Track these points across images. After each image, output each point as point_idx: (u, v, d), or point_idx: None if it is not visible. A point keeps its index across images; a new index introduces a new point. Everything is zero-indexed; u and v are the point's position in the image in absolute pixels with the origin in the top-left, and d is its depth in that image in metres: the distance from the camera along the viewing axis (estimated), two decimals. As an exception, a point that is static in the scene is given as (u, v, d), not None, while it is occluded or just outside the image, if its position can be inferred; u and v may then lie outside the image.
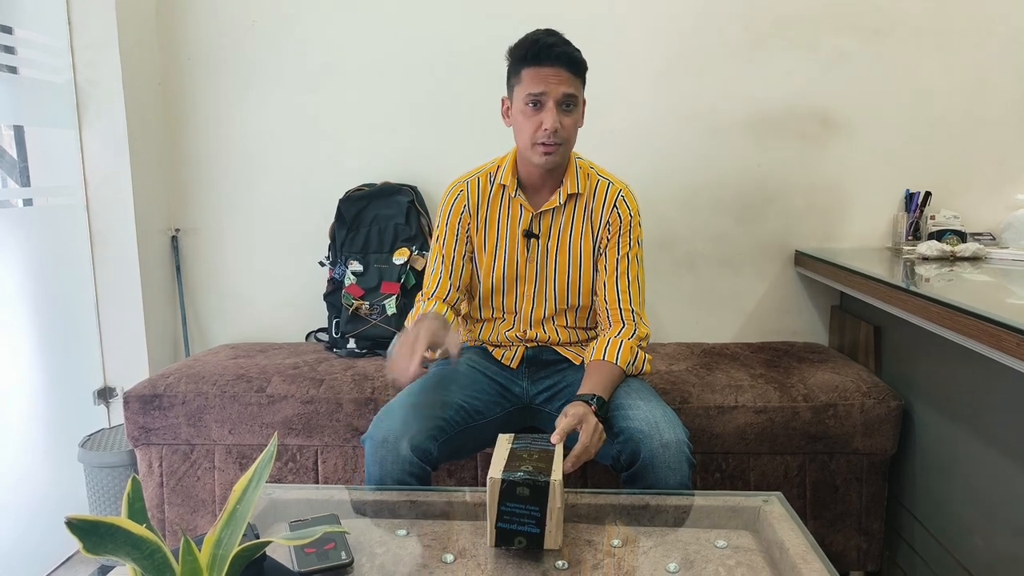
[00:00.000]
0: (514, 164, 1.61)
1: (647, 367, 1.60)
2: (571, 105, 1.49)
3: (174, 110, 2.39)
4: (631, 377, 1.58)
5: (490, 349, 1.70)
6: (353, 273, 2.25)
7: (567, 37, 1.50)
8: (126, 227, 2.24)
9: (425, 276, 1.69)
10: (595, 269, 1.63)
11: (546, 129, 1.46)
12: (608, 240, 1.61)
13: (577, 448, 1.30)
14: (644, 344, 1.60)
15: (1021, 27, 2.18)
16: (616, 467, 1.42)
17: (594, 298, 1.65)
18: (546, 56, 1.45)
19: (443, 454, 1.44)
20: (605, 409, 1.42)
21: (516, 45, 1.50)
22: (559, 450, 1.17)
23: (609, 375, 1.50)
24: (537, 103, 1.47)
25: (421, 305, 1.64)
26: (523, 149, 1.54)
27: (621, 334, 1.56)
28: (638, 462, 1.35)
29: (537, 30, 1.50)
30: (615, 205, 1.60)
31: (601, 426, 1.35)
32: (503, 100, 1.57)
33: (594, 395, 1.41)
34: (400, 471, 1.36)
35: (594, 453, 1.32)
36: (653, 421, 1.38)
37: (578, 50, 1.50)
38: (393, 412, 1.44)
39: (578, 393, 1.44)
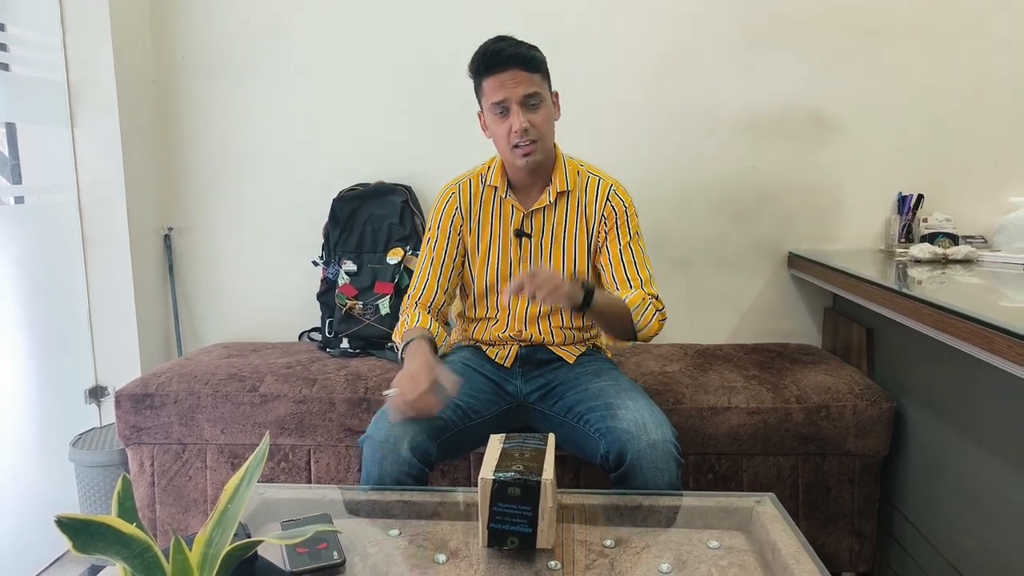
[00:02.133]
0: (502, 166, 1.62)
1: (655, 324, 1.54)
2: (535, 102, 1.50)
3: (168, 109, 2.38)
4: (622, 376, 1.58)
5: (484, 348, 1.70)
6: (347, 273, 2.25)
7: (518, 38, 1.52)
8: (119, 226, 2.23)
9: (413, 277, 1.70)
10: (590, 266, 1.63)
11: (515, 131, 1.49)
12: (606, 234, 1.61)
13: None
14: (657, 304, 1.56)
15: (1015, 30, 2.19)
16: (604, 467, 1.42)
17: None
18: (498, 62, 1.48)
19: (441, 454, 1.45)
20: (588, 295, 1.41)
21: (471, 59, 1.53)
22: (550, 449, 1.17)
23: (615, 299, 1.52)
24: (503, 110, 1.50)
25: (407, 317, 1.64)
26: (504, 156, 1.57)
27: (633, 287, 1.57)
28: (626, 462, 1.35)
29: (487, 40, 1.52)
30: (608, 198, 1.61)
31: (565, 286, 1.36)
32: (479, 114, 1.59)
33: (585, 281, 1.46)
34: (399, 471, 1.36)
35: (548, 288, 1.33)
36: (640, 421, 1.39)
37: (532, 47, 1.52)
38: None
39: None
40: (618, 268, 1.61)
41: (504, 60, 1.47)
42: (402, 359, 1.52)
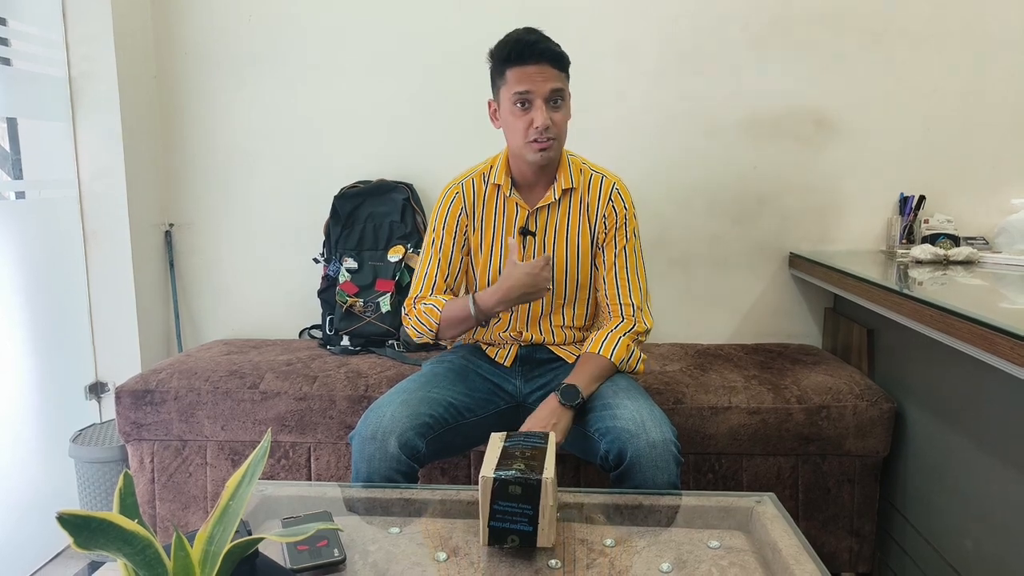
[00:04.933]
0: (506, 164, 1.61)
1: (640, 366, 1.60)
2: (559, 100, 1.49)
3: (169, 104, 2.38)
4: (621, 375, 1.58)
5: (484, 347, 1.70)
6: (347, 270, 2.25)
7: (547, 33, 1.50)
8: (119, 221, 2.23)
9: (416, 277, 1.67)
10: (593, 264, 1.63)
11: (537, 127, 1.47)
12: (605, 235, 1.61)
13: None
14: (642, 339, 1.61)
15: (1016, 32, 2.19)
16: (604, 466, 1.42)
17: (595, 293, 1.66)
18: (529, 54, 1.45)
19: (432, 451, 1.44)
20: (579, 402, 1.46)
21: (497, 46, 1.50)
22: (551, 448, 1.17)
23: (597, 368, 1.53)
24: (525, 102, 1.47)
25: (419, 311, 1.60)
26: (516, 148, 1.55)
27: (618, 328, 1.58)
28: (625, 461, 1.35)
29: (516, 30, 1.50)
30: (610, 198, 1.61)
31: (563, 420, 1.42)
32: (489, 103, 1.57)
33: (572, 385, 1.47)
34: (388, 468, 1.36)
35: (560, 439, 1.39)
36: (640, 420, 1.39)
37: (559, 45, 1.50)
38: (381, 409, 1.44)
39: (562, 382, 1.48)
40: (610, 272, 1.62)
41: (538, 53, 1.45)
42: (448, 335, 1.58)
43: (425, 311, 1.59)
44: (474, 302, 1.52)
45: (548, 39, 1.49)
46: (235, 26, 2.33)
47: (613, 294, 1.61)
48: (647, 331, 1.62)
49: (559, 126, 1.50)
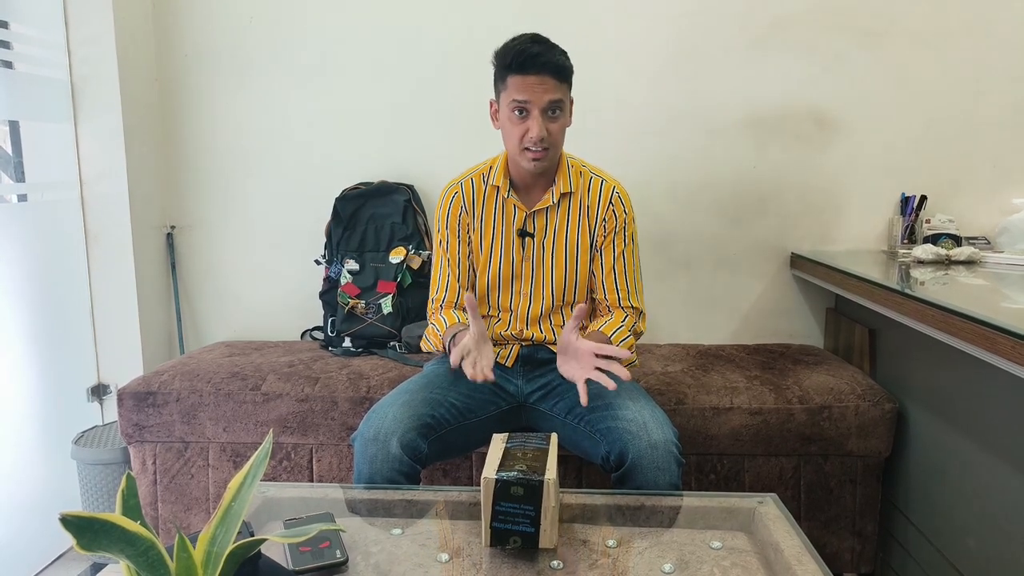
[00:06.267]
0: (505, 165, 1.62)
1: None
2: (557, 111, 1.49)
3: (170, 106, 2.39)
4: None
5: (485, 348, 1.70)
6: (349, 272, 2.25)
7: (553, 41, 1.49)
8: (121, 223, 2.23)
9: (432, 282, 1.69)
10: (592, 266, 1.64)
11: (532, 137, 1.47)
12: (604, 238, 1.62)
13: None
14: (639, 329, 1.66)
15: (1017, 31, 2.18)
16: (605, 467, 1.43)
17: (593, 296, 1.66)
18: (531, 65, 1.45)
19: (434, 452, 1.44)
20: None
21: (501, 51, 1.49)
22: (553, 449, 1.17)
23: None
24: (523, 111, 1.48)
25: (435, 323, 1.62)
26: (512, 154, 1.56)
27: (626, 323, 1.60)
28: (627, 462, 1.36)
29: (523, 36, 1.49)
30: (611, 202, 1.62)
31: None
32: (491, 103, 1.58)
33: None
34: (390, 469, 1.36)
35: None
36: (641, 421, 1.39)
37: (564, 54, 1.50)
38: (383, 410, 1.44)
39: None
40: (608, 276, 1.63)
41: (540, 65, 1.44)
42: (449, 349, 1.52)
43: (430, 331, 1.63)
44: (450, 342, 1.53)
45: (553, 49, 1.48)
46: (236, 28, 2.34)
47: (613, 297, 1.63)
48: (641, 334, 1.65)
49: (554, 136, 1.50)
